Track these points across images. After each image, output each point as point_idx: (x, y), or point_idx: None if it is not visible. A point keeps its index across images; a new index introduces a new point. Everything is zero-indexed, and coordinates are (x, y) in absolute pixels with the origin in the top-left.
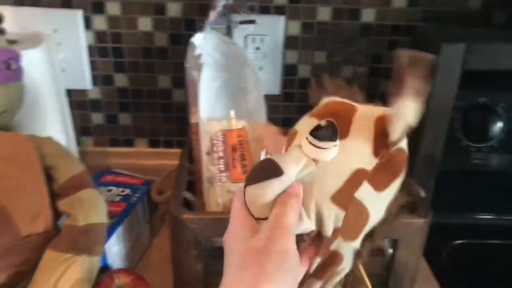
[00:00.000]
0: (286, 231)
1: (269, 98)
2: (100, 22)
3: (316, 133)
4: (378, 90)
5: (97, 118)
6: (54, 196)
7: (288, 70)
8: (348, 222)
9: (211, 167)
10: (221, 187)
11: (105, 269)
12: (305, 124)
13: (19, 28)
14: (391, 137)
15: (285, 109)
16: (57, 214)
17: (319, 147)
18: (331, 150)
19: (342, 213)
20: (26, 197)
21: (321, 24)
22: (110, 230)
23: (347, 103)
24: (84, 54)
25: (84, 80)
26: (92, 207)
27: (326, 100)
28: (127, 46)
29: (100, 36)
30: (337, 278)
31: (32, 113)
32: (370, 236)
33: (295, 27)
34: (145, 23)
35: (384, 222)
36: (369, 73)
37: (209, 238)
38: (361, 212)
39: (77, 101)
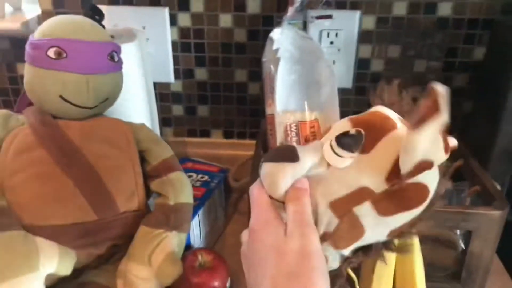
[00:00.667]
0: (312, 229)
1: (341, 92)
2: (184, 19)
3: (340, 139)
4: (453, 85)
5: (177, 109)
6: (146, 177)
7: (361, 64)
8: (340, 231)
9: None
10: None
11: (187, 247)
12: (340, 125)
13: (112, 25)
14: (401, 169)
15: (357, 102)
16: (147, 194)
17: (336, 154)
18: (345, 160)
19: (335, 221)
20: (124, 177)
21: (397, 18)
22: (193, 212)
23: (391, 119)
24: (169, 49)
25: (168, 73)
26: (181, 188)
27: (374, 108)
28: (208, 41)
29: (183, 32)
30: None
31: (125, 102)
32: (366, 249)
33: (370, 22)
34: (225, 20)
35: (383, 244)
36: (444, 68)
37: None
38: (355, 227)
39: (160, 93)
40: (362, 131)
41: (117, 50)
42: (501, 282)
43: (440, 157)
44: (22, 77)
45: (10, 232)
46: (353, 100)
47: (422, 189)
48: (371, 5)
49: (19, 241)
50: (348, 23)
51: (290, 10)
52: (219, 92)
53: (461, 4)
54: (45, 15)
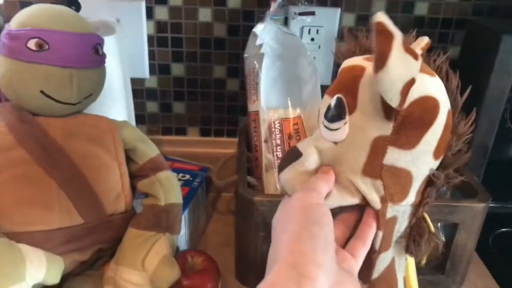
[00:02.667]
0: (313, 191)
1: (321, 89)
2: (161, 12)
3: (327, 114)
4: None
5: (151, 106)
6: (131, 177)
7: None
8: (389, 189)
9: (267, 154)
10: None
11: None
12: (323, 104)
13: (85, 17)
14: (392, 105)
15: None
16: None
17: (331, 129)
18: (342, 129)
19: (379, 183)
20: (110, 177)
21: None
22: None
23: (356, 66)
24: (144, 44)
25: (143, 69)
26: (171, 188)
27: (341, 67)
28: (186, 36)
29: (160, 26)
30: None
31: (102, 98)
32: (430, 185)
33: (350, 19)
34: (204, 14)
35: (440, 169)
36: None
37: None
38: (398, 175)
39: (134, 89)
40: (340, 95)
41: (101, 43)
42: (478, 270)
43: (416, 66)
44: None
45: None
46: None
47: (425, 101)
48: (351, 3)
49: (2, 250)
50: (329, 20)
51: (273, 6)
52: (197, 89)
53: (437, 4)
54: (8, 5)
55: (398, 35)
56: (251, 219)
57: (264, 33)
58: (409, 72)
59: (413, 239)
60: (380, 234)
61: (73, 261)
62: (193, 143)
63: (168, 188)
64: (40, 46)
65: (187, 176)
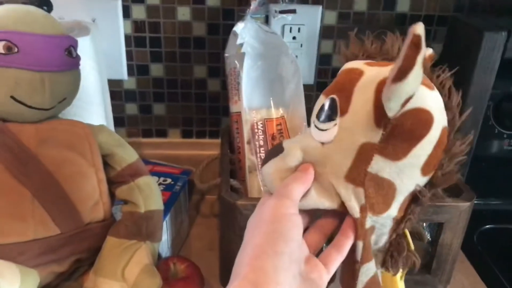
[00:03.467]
0: (287, 198)
1: (303, 88)
2: (139, 11)
3: (319, 114)
4: None
5: (130, 108)
6: (109, 183)
7: (323, 60)
8: (370, 198)
9: (251, 156)
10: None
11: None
12: (317, 104)
13: (58, 18)
14: (388, 114)
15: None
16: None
17: (321, 129)
18: (331, 130)
19: (361, 190)
20: (87, 184)
21: (357, 14)
22: None
23: (355, 69)
24: (122, 44)
25: (120, 70)
26: (151, 194)
27: (341, 68)
28: (164, 35)
29: (138, 25)
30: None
31: (78, 101)
32: (414, 200)
33: (332, 17)
34: (183, 13)
35: (428, 186)
36: None
37: None
38: (381, 185)
39: (112, 91)
40: (334, 96)
41: (75, 45)
42: (463, 268)
43: (418, 83)
44: None
45: None
46: (315, 96)
47: (418, 113)
48: (332, 0)
49: None
50: (310, 18)
51: (253, 4)
52: (177, 89)
53: (418, 1)
54: None
55: (424, 50)
56: (235, 223)
57: (245, 32)
58: (417, 87)
59: (390, 254)
60: (360, 244)
61: (50, 273)
62: (174, 145)
63: (148, 194)
64: (9, 49)
65: (169, 180)
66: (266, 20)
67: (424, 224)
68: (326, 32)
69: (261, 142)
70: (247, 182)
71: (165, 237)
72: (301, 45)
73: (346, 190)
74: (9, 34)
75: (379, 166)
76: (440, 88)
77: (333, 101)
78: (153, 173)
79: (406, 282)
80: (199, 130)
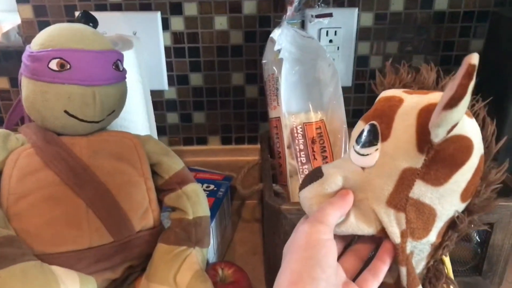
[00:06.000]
0: (321, 224)
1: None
2: (177, 23)
3: (359, 139)
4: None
5: (171, 117)
6: (157, 191)
7: (360, 62)
8: (411, 223)
9: (291, 160)
10: None
11: None
12: (356, 129)
13: (102, 32)
14: (433, 139)
15: (356, 100)
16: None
17: (362, 154)
18: (373, 155)
19: (402, 215)
20: (137, 193)
21: (394, 14)
22: None
23: (394, 97)
24: (162, 55)
25: (161, 81)
26: (198, 201)
27: (379, 96)
28: (203, 45)
29: (177, 36)
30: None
31: (124, 113)
32: (453, 227)
33: (368, 18)
34: (220, 22)
35: (466, 212)
36: (441, 62)
37: None
38: (422, 210)
39: (153, 101)
40: (374, 122)
41: (121, 59)
42: None
43: (465, 111)
44: (4, 91)
45: (24, 264)
46: (353, 98)
47: (459, 140)
48: (368, 2)
49: (35, 272)
50: (347, 20)
51: (289, 10)
52: (215, 97)
53: None
54: (25, 25)
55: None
56: (280, 228)
57: (282, 37)
58: (463, 114)
59: (429, 281)
60: (404, 270)
61: (105, 280)
62: (215, 152)
63: (195, 201)
64: (62, 66)
65: (212, 186)
66: (302, 25)
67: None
68: (362, 33)
69: (301, 146)
70: (288, 186)
71: (211, 242)
72: (338, 48)
73: (388, 215)
74: (62, 52)
75: (421, 191)
76: (475, 117)
77: (373, 127)
78: (197, 180)
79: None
80: (238, 136)
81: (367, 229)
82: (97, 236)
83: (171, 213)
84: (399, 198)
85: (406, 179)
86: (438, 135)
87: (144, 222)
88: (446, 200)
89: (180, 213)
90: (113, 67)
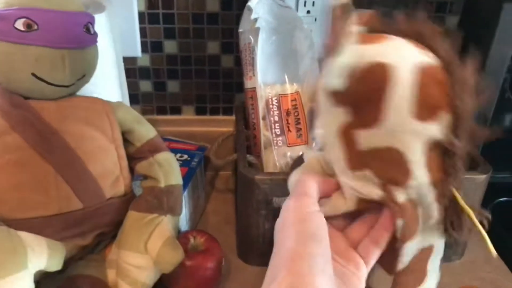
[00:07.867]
0: (304, 195)
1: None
2: None
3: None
4: None
5: (145, 85)
6: (129, 159)
7: None
8: (381, 173)
9: (266, 132)
10: (277, 151)
11: None
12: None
13: None
14: (330, 83)
15: None
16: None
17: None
18: (318, 135)
19: (368, 171)
20: (108, 160)
21: None
22: None
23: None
24: (135, 21)
25: (134, 47)
26: (171, 170)
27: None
28: (178, 11)
29: (151, 2)
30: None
31: (95, 79)
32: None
33: None
34: None
35: None
36: None
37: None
38: (383, 156)
39: (126, 68)
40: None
41: (92, 22)
42: (478, 241)
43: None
44: None
45: None
46: None
47: (367, 70)
48: None
49: (1, 237)
50: None
51: None
52: (190, 66)
53: None
54: None
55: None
56: (253, 198)
57: (259, 6)
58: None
59: (450, 222)
60: (400, 222)
61: (74, 246)
62: (189, 122)
63: (168, 170)
64: (28, 26)
65: (185, 156)
66: None
67: None
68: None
69: (276, 118)
70: (262, 157)
71: (184, 211)
72: (316, 19)
73: (357, 179)
74: (29, 11)
75: (366, 139)
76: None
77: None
78: (170, 150)
79: None
80: (212, 107)
81: (347, 204)
82: (66, 202)
83: (142, 181)
84: (354, 158)
85: (345, 137)
86: (338, 83)
87: (115, 190)
88: (398, 131)
89: (152, 181)
90: (84, 29)
